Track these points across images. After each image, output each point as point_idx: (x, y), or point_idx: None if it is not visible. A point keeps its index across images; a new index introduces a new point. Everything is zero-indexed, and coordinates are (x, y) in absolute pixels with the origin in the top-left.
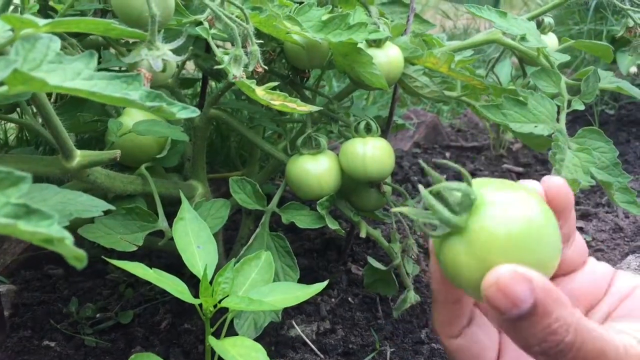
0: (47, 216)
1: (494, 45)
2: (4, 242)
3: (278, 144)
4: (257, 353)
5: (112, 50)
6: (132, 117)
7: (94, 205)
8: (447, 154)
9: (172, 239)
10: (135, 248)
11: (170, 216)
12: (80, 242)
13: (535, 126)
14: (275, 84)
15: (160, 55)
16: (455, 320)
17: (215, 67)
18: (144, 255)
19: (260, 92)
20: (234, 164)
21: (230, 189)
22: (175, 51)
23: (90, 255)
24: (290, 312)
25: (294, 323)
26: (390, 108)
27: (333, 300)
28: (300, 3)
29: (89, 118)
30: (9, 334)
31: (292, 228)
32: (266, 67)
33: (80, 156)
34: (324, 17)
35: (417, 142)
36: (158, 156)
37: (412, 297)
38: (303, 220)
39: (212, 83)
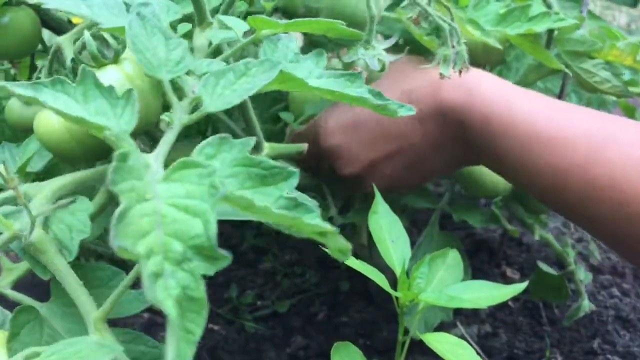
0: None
1: None
2: None
3: None
4: (464, 350)
5: None
6: None
7: None
8: None
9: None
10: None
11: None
12: (236, 232)
13: None
14: None
15: (376, 55)
16: None
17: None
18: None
19: None
20: None
21: None
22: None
23: (250, 244)
24: None
25: (457, 323)
26: None
27: None
28: None
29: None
30: None
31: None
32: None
33: (268, 148)
34: (502, 11)
35: None
36: None
37: (586, 305)
38: (476, 219)
39: None
